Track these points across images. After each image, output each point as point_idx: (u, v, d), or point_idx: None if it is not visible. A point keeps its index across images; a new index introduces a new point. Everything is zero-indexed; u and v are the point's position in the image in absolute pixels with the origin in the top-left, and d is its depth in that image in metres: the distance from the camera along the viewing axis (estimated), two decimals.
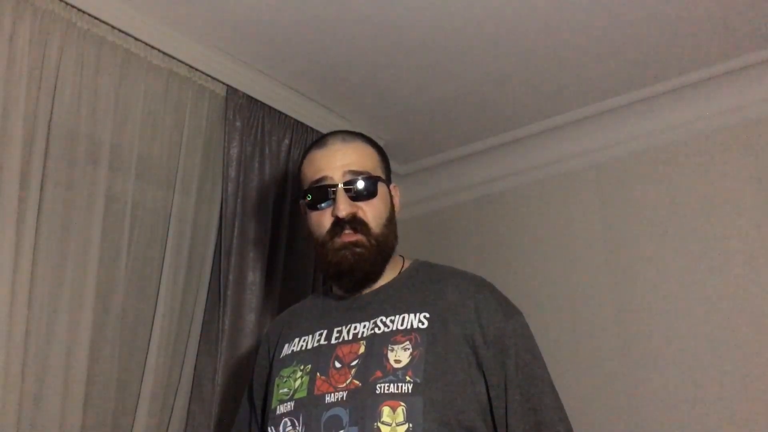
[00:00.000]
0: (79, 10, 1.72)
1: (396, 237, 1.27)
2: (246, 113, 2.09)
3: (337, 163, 1.22)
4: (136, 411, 1.74)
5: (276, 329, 1.36)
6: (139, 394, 1.75)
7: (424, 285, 1.23)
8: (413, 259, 1.33)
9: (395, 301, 1.20)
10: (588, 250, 2.35)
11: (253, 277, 2.00)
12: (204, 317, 1.93)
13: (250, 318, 1.97)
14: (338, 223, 1.19)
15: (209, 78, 2.04)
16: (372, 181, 1.22)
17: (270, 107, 2.17)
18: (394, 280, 1.26)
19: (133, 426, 1.73)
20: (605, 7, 1.84)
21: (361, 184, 1.20)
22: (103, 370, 1.68)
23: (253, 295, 1.98)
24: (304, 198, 1.24)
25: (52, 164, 1.63)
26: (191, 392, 1.86)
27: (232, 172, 2.02)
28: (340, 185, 1.19)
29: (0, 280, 1.47)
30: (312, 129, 2.31)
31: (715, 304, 2.05)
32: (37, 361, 1.55)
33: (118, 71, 1.81)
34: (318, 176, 1.23)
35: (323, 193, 1.21)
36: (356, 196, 1.20)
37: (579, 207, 2.41)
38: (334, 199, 1.19)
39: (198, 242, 1.98)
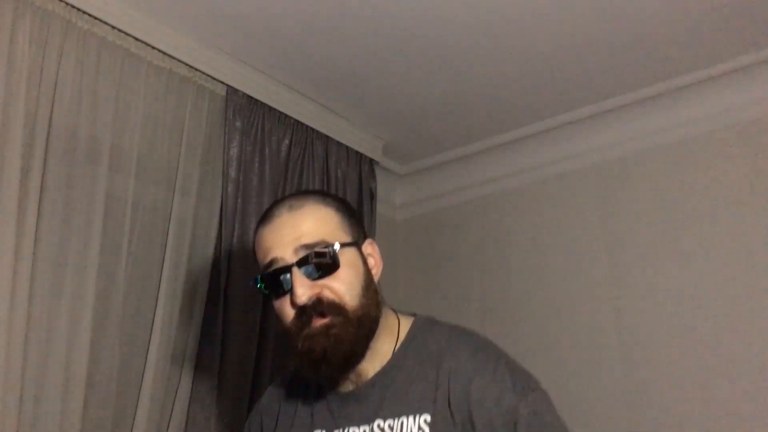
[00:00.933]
0: (79, 10, 1.72)
1: (378, 304, 1.06)
2: (246, 113, 2.09)
3: (286, 238, 1.02)
4: (136, 411, 1.74)
5: (272, 409, 1.19)
6: (139, 394, 1.75)
7: (424, 368, 1.03)
8: (411, 318, 1.12)
9: (393, 397, 1.03)
10: (588, 250, 2.35)
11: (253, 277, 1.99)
12: (204, 317, 1.93)
13: (250, 318, 1.97)
14: (303, 312, 1.00)
15: (209, 78, 2.04)
16: (330, 251, 1.01)
17: (270, 107, 2.17)
18: (390, 363, 1.06)
19: (133, 426, 1.73)
20: (605, 8, 1.84)
21: (317, 259, 1.00)
22: (103, 370, 1.68)
23: (252, 295, 1.98)
24: (257, 288, 1.05)
25: (52, 164, 1.63)
26: (191, 392, 1.86)
27: (232, 172, 2.02)
28: (294, 266, 1.00)
29: (0, 280, 1.47)
30: (312, 129, 2.31)
31: (715, 303, 2.05)
32: (37, 361, 1.54)
33: (118, 71, 1.81)
34: (268, 259, 1.03)
35: (277, 279, 1.02)
36: (316, 274, 1.00)
37: (579, 207, 2.41)
38: (291, 284, 1.00)
39: (198, 242, 1.97)
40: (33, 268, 1.55)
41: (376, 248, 1.11)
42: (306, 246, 1.01)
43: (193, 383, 1.87)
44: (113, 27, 1.80)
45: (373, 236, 2.47)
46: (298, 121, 2.26)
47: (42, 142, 1.60)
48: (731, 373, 1.98)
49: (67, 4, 1.70)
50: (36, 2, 1.64)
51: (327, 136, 2.37)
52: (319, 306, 0.99)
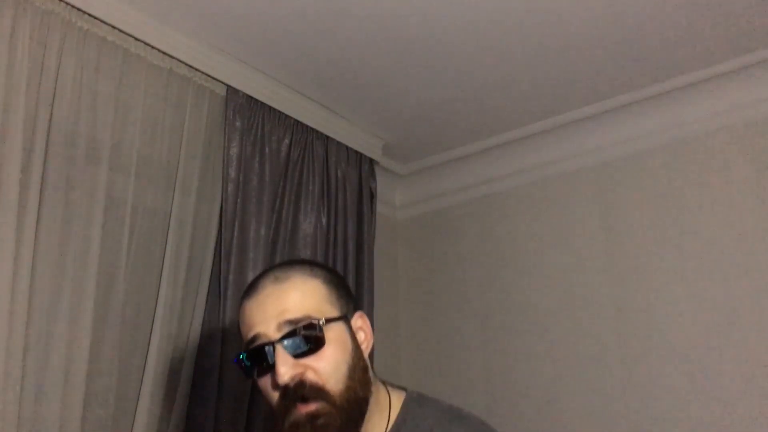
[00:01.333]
0: (79, 10, 1.72)
1: (368, 383, 1.00)
2: (246, 113, 2.10)
3: (269, 313, 0.97)
4: (136, 411, 1.74)
5: None
6: (139, 394, 1.75)
7: None
8: (402, 395, 1.07)
9: None
10: (588, 250, 2.35)
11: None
12: (204, 317, 1.93)
13: None
14: (286, 394, 0.94)
15: (209, 78, 2.03)
16: (315, 327, 0.95)
17: (270, 107, 2.17)
18: None
19: (133, 426, 1.73)
20: (605, 8, 1.84)
21: (304, 333, 0.94)
22: (103, 370, 1.68)
23: None
24: (240, 365, 0.99)
25: (52, 164, 1.63)
26: (191, 392, 1.86)
27: (232, 172, 2.02)
28: (277, 344, 0.94)
29: (0, 281, 1.47)
30: (312, 129, 2.31)
31: (715, 304, 2.05)
32: (37, 361, 1.54)
33: (118, 71, 1.81)
34: (251, 335, 0.98)
35: (259, 356, 0.96)
36: (300, 351, 0.95)
37: (579, 207, 2.41)
38: (274, 360, 0.94)
39: (198, 242, 1.97)
40: (33, 269, 1.55)
41: (367, 321, 1.06)
42: (290, 322, 0.95)
43: (193, 383, 1.87)
44: (113, 27, 1.79)
45: (373, 236, 2.49)
46: (298, 121, 2.26)
47: (42, 142, 1.60)
48: (731, 373, 1.98)
49: (67, 4, 1.70)
50: (36, 2, 1.64)
51: (327, 136, 2.37)
52: (301, 389, 0.93)
